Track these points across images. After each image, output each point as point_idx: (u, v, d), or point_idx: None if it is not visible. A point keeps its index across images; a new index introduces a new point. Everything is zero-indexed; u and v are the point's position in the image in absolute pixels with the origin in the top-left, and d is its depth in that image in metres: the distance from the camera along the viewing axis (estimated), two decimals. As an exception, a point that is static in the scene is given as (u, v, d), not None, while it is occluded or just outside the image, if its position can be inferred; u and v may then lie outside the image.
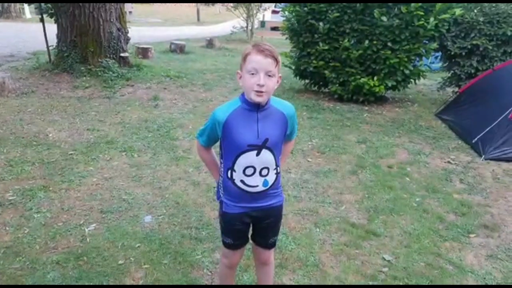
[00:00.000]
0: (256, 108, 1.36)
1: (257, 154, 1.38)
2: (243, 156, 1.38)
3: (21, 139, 3.73)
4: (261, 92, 1.30)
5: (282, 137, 1.45)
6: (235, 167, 1.41)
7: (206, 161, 1.61)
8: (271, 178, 1.45)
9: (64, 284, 1.95)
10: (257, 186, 1.44)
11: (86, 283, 1.95)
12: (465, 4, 5.49)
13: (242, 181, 1.43)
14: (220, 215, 1.58)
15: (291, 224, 2.57)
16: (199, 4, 22.39)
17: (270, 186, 1.47)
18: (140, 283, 1.99)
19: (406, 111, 5.43)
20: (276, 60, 1.29)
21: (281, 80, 1.40)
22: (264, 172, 1.42)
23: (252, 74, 1.29)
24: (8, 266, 2.04)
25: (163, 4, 33.10)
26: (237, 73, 1.37)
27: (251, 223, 1.59)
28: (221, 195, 1.54)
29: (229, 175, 1.45)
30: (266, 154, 1.40)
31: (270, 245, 1.66)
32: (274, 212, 1.57)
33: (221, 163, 1.50)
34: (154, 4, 33.06)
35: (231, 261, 1.67)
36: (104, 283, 1.96)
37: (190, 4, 29.23)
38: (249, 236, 1.65)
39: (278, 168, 1.48)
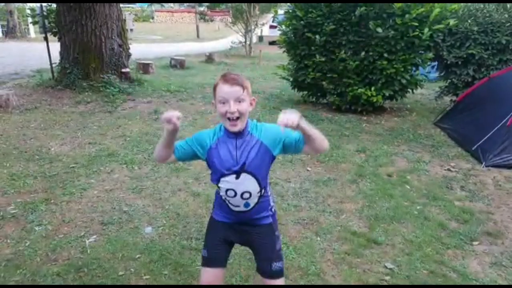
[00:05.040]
0: (234, 136, 1.42)
1: (236, 178, 1.43)
2: (224, 179, 1.45)
3: (24, 153, 3.77)
4: (234, 119, 1.36)
5: (265, 163, 1.45)
6: (220, 185, 1.48)
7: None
8: (253, 201, 1.47)
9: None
10: (239, 206, 1.49)
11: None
12: (459, 12, 5.59)
13: (226, 199, 1.49)
14: (209, 219, 1.62)
15: (292, 233, 2.57)
16: (198, 21, 22.84)
17: (253, 208, 1.49)
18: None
19: (405, 120, 5.47)
20: (242, 86, 1.36)
21: (255, 103, 1.45)
22: (246, 195, 1.45)
23: (223, 103, 1.36)
24: (9, 279, 2.04)
25: (163, 21, 33.83)
26: (212, 104, 1.44)
27: (240, 243, 1.60)
28: (214, 203, 1.61)
29: (218, 190, 1.52)
30: (247, 179, 1.43)
31: (274, 274, 1.51)
32: (261, 229, 1.53)
33: (211, 178, 1.54)
34: (155, 22, 33.78)
35: (203, 283, 1.53)
36: (104, 295, 1.95)
37: (190, 21, 29.84)
38: (226, 261, 1.58)
39: (264, 191, 1.49)
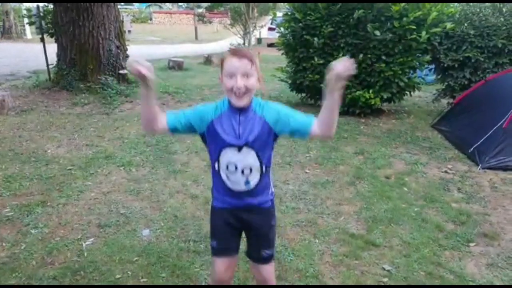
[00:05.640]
0: (238, 111, 1.38)
1: (238, 151, 1.39)
2: (225, 150, 1.39)
3: (20, 155, 3.75)
4: (240, 94, 1.31)
5: (267, 142, 1.42)
6: (220, 159, 1.43)
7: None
8: (254, 178, 1.43)
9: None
10: (238, 184, 1.44)
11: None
12: (456, 15, 5.63)
13: (226, 175, 1.44)
14: (210, 211, 1.59)
15: (290, 235, 2.56)
16: (197, 22, 22.86)
17: (253, 189, 1.45)
18: (138, 297, 1.96)
19: (403, 123, 5.49)
20: (251, 61, 1.31)
21: (262, 80, 1.39)
22: (246, 171, 1.41)
23: (230, 77, 1.31)
24: (5, 282, 2.02)
25: (162, 23, 33.81)
26: (219, 78, 1.39)
27: (241, 230, 1.57)
28: (212, 190, 1.56)
29: (216, 167, 1.46)
30: (249, 153, 1.39)
31: (264, 259, 1.55)
32: (260, 214, 1.52)
33: (209, 155, 1.50)
34: (153, 23, 33.77)
35: (216, 274, 1.53)
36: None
37: (188, 23, 29.87)
38: (237, 248, 1.58)
39: (265, 169, 1.46)
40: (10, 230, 2.50)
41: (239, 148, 1.39)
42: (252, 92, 1.35)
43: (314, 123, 1.39)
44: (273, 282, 1.63)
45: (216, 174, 1.48)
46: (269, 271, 1.59)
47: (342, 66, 1.21)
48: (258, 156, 1.41)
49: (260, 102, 1.43)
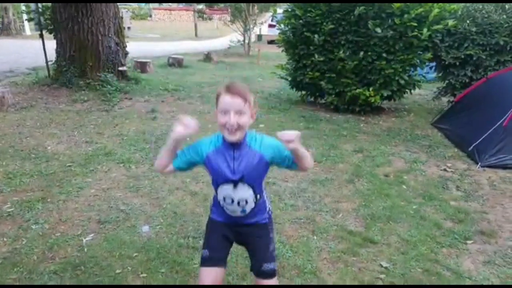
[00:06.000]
0: (232, 146, 1.43)
1: (234, 187, 1.46)
2: (221, 187, 1.48)
3: (20, 152, 3.76)
4: (233, 130, 1.37)
5: (262, 174, 1.50)
6: (218, 191, 1.51)
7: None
8: (249, 207, 1.51)
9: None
10: (235, 212, 1.53)
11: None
12: (458, 12, 5.61)
13: (223, 205, 1.53)
14: (207, 222, 1.65)
15: (289, 232, 2.58)
16: (197, 19, 22.78)
17: (249, 213, 1.53)
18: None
19: (402, 121, 5.49)
20: (245, 99, 1.36)
21: (255, 115, 1.45)
22: (242, 203, 1.49)
23: (224, 113, 1.36)
24: (6, 277, 2.04)
25: (161, 20, 33.71)
26: (215, 112, 1.44)
27: (236, 241, 1.62)
28: (211, 205, 1.65)
29: (215, 193, 1.55)
30: (244, 188, 1.46)
31: (266, 274, 1.53)
32: (257, 229, 1.57)
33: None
34: (153, 20, 33.66)
35: (203, 282, 1.51)
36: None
37: (188, 20, 29.77)
38: (226, 261, 1.59)
39: (260, 197, 1.53)
40: (11, 226, 2.52)
41: (235, 184, 1.45)
42: (245, 128, 1.40)
43: None
44: None
45: (215, 197, 1.56)
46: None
47: (285, 136, 1.30)
48: (253, 189, 1.48)
49: (256, 136, 1.47)
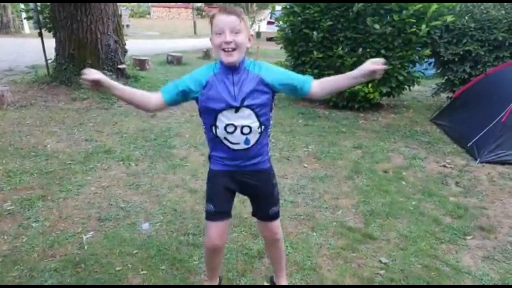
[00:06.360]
0: (231, 71, 1.39)
1: (236, 112, 1.41)
2: (222, 113, 1.42)
3: (20, 150, 3.76)
4: (229, 50, 1.32)
5: (264, 100, 1.44)
6: (217, 123, 1.44)
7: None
8: (253, 137, 1.46)
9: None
10: (239, 143, 1.46)
11: (84, 291, 1.96)
12: (457, 8, 5.60)
13: (225, 137, 1.46)
14: (207, 175, 1.60)
15: (288, 229, 2.58)
16: (195, 17, 22.71)
17: (253, 146, 1.48)
18: (138, 289, 1.99)
19: (401, 117, 5.49)
20: (239, 17, 1.32)
21: (253, 39, 1.42)
22: (245, 130, 1.43)
23: (219, 34, 1.32)
24: (6, 275, 2.04)
25: (160, 17, 33.61)
26: (209, 39, 1.40)
27: (239, 192, 1.61)
28: (210, 154, 1.58)
29: (213, 131, 1.47)
30: (246, 112, 1.41)
31: (272, 217, 1.63)
32: (261, 176, 1.56)
33: (203, 121, 1.52)
34: (151, 17, 33.55)
35: (211, 239, 1.54)
36: (102, 290, 1.96)
37: (187, 17, 29.67)
38: (231, 212, 1.59)
39: (264, 129, 1.48)
40: (12, 224, 2.52)
41: (236, 109, 1.40)
42: (242, 49, 1.35)
43: (314, 83, 1.46)
44: (281, 235, 1.74)
45: (213, 139, 1.49)
46: (276, 226, 1.69)
47: (380, 67, 1.32)
48: (256, 114, 1.42)
49: (254, 61, 1.44)
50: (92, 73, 1.29)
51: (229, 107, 1.40)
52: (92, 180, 3.18)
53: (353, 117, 5.37)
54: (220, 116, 1.41)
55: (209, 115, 1.45)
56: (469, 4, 5.81)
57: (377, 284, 2.10)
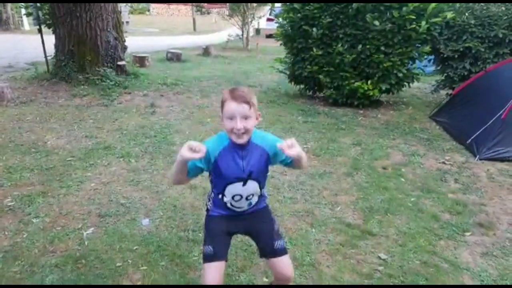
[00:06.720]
0: (240, 147, 1.49)
1: (243, 185, 1.53)
2: (231, 186, 1.53)
3: (20, 146, 3.77)
4: (240, 134, 1.42)
5: (265, 168, 1.58)
6: (225, 193, 1.56)
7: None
8: (255, 199, 1.62)
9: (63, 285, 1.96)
10: (242, 207, 1.61)
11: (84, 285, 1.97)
12: (457, 4, 5.58)
13: (231, 204, 1.59)
14: (205, 221, 1.69)
15: (287, 225, 2.60)
16: (195, 13, 22.63)
17: (255, 204, 1.63)
18: (138, 284, 2.00)
19: (401, 114, 5.49)
20: (249, 104, 1.40)
21: (260, 117, 1.51)
22: (250, 197, 1.58)
23: (230, 119, 1.41)
24: (7, 270, 2.06)
25: (160, 14, 33.48)
26: (219, 116, 1.50)
27: (241, 230, 1.68)
28: (209, 206, 1.67)
29: (220, 198, 1.59)
30: (252, 185, 1.55)
31: (279, 250, 1.59)
32: (258, 213, 1.66)
33: (212, 187, 1.63)
34: (151, 14, 33.42)
35: (209, 281, 1.52)
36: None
37: (186, 14, 29.56)
38: (228, 253, 1.62)
39: (262, 191, 1.63)
40: (12, 220, 2.54)
41: (244, 182, 1.52)
42: (251, 131, 1.46)
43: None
44: (293, 274, 1.66)
45: (219, 201, 1.60)
46: (288, 263, 1.61)
47: (287, 143, 1.38)
48: (259, 184, 1.58)
49: (259, 134, 1.55)
50: (200, 148, 1.35)
51: (238, 179, 1.52)
52: (92, 176, 3.19)
53: (353, 114, 5.37)
54: (229, 187, 1.54)
55: (218, 184, 1.57)
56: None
57: (376, 279, 2.11)
